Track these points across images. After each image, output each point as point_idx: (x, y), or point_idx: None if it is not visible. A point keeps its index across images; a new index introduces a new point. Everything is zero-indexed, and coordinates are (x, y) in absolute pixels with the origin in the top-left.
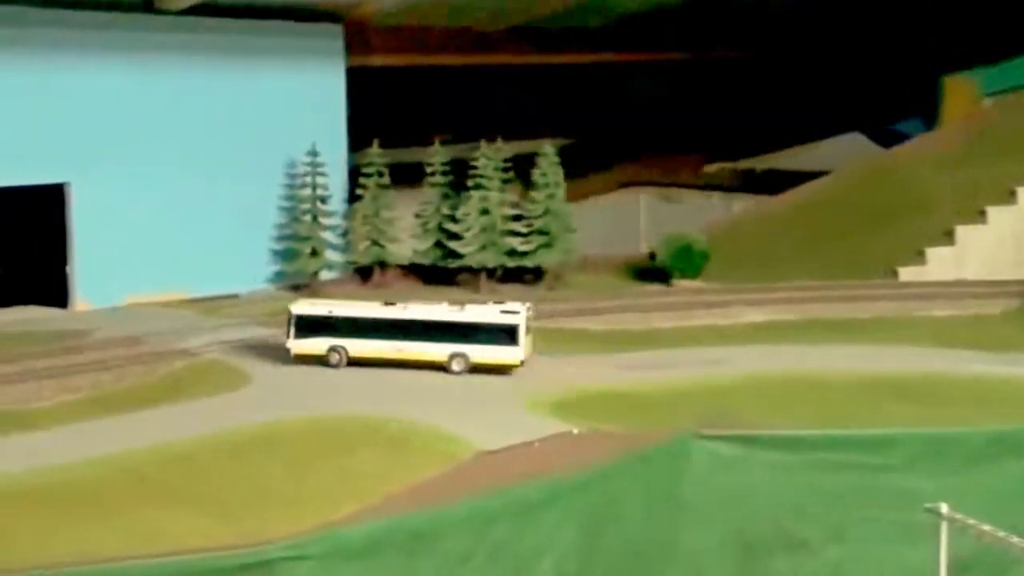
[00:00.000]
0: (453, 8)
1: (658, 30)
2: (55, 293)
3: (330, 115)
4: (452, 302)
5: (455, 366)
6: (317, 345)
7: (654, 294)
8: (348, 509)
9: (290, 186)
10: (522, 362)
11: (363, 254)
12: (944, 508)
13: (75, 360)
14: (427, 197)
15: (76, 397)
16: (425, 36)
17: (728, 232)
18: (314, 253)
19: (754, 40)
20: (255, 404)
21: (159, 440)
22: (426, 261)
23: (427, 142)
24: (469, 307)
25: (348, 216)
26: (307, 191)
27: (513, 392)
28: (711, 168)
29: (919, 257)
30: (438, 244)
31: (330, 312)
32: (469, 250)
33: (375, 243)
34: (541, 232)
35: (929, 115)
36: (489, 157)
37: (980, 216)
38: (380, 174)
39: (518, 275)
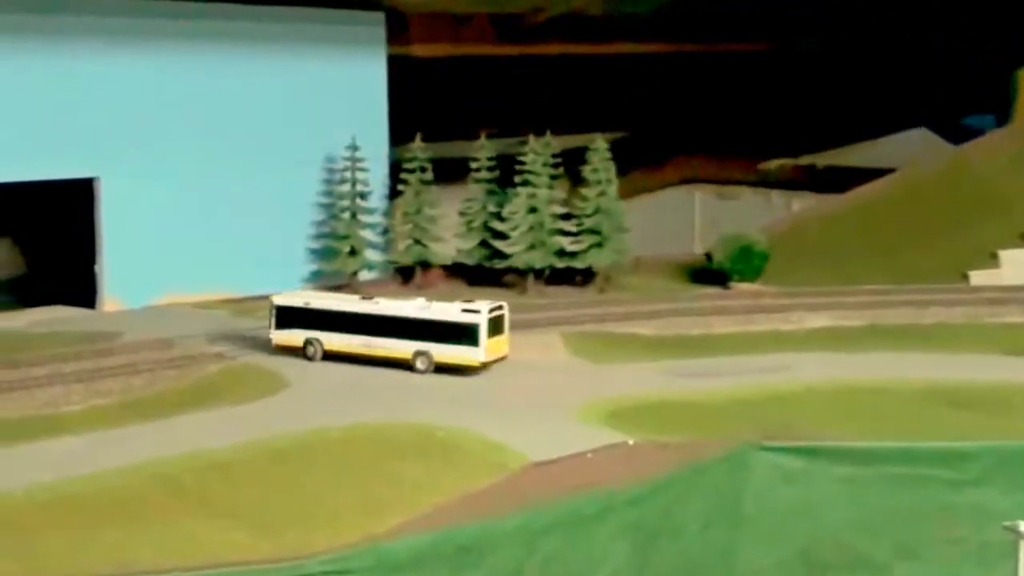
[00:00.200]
0: None
1: (712, 19)
2: (83, 293)
3: (371, 107)
4: (430, 299)
5: (419, 364)
6: (295, 337)
7: (711, 297)
8: (393, 522)
9: (328, 181)
10: (483, 363)
11: (404, 253)
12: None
13: (105, 363)
14: (472, 194)
15: (106, 402)
16: (470, 24)
17: (789, 232)
18: (353, 252)
19: (816, 31)
20: (293, 410)
21: (194, 447)
22: (470, 261)
23: (472, 136)
24: (435, 305)
25: (389, 213)
26: (346, 187)
27: (564, 400)
28: (770, 164)
29: (992, 260)
30: (483, 243)
31: (306, 304)
32: (516, 250)
33: (417, 242)
34: (592, 231)
35: (1001, 111)
36: (537, 152)
37: None
38: (423, 169)
39: (567, 276)
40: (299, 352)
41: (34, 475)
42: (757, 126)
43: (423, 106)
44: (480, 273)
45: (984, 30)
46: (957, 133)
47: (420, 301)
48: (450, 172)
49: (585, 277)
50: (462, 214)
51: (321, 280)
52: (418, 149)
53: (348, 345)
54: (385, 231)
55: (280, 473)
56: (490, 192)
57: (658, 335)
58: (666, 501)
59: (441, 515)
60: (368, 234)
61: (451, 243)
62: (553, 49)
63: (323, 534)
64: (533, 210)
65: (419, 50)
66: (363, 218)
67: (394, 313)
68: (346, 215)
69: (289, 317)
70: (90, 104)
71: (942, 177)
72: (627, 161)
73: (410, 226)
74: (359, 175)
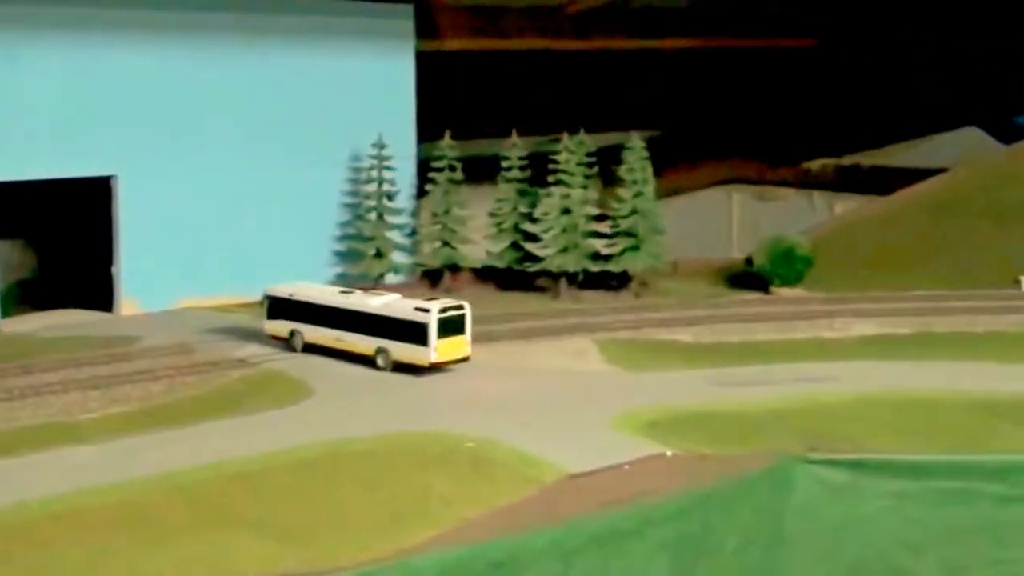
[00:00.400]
0: None
1: (753, 14)
2: (98, 295)
3: (398, 103)
4: (407, 297)
5: (380, 361)
6: (283, 327)
7: (752, 303)
8: (422, 536)
9: (354, 181)
10: (432, 364)
11: (432, 256)
12: None
13: (122, 369)
14: (503, 194)
15: (125, 409)
16: (501, 18)
17: (833, 235)
18: (379, 254)
19: (861, 26)
20: (319, 419)
21: (216, 457)
22: (501, 264)
23: (503, 134)
24: (399, 302)
25: (416, 214)
26: (372, 186)
27: (599, 409)
28: (812, 164)
29: None
30: (514, 246)
31: (291, 296)
32: (548, 253)
33: (445, 244)
34: (627, 234)
35: None
36: (571, 150)
37: None
38: (451, 168)
39: (601, 281)
40: (286, 342)
41: (50, 485)
42: (798, 125)
43: (452, 102)
44: (511, 277)
45: None
46: (1009, 132)
47: (390, 297)
48: (480, 171)
49: (620, 281)
50: (492, 215)
51: (346, 283)
52: (447, 147)
53: (323, 337)
54: (412, 232)
55: (305, 484)
56: (521, 192)
57: (697, 342)
58: (706, 516)
59: (472, 530)
60: (395, 235)
61: (481, 245)
62: (587, 44)
63: (349, 548)
64: (566, 211)
65: (448, 44)
66: (390, 219)
67: (359, 308)
68: (372, 216)
69: (278, 308)
70: (108, 99)
71: (993, 178)
72: (661, 161)
73: (438, 227)
74: (386, 174)
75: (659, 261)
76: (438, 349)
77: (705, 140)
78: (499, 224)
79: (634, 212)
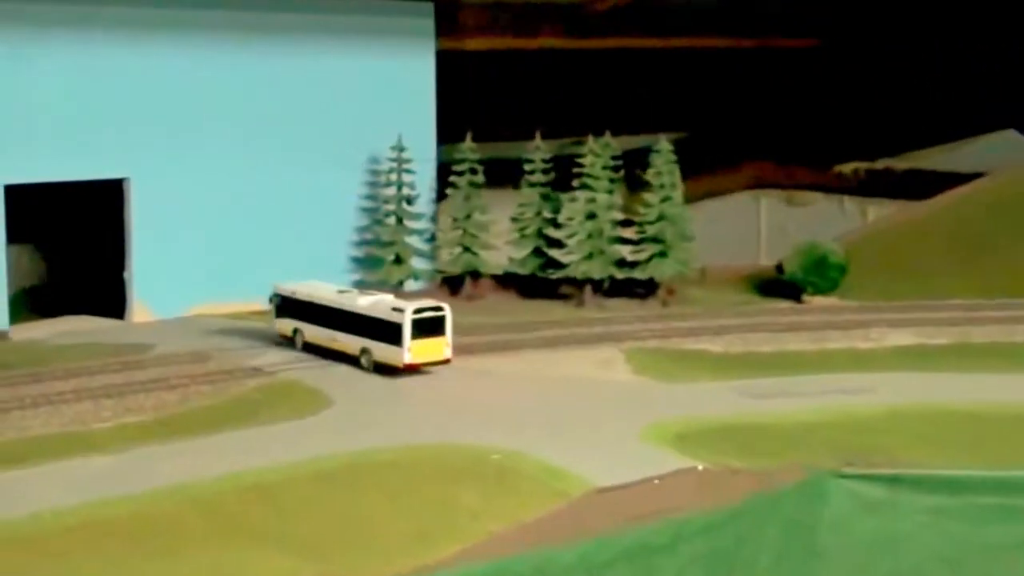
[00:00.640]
0: None
1: (780, 13)
2: (110, 301)
3: (418, 105)
4: (399, 297)
5: (363, 361)
6: (288, 325)
7: (784, 312)
8: (447, 551)
9: (372, 184)
10: (406, 365)
11: (452, 262)
12: None
13: (136, 377)
14: (526, 198)
15: (139, 419)
16: (524, 16)
17: (867, 241)
18: (398, 260)
19: (894, 27)
20: (338, 430)
21: (233, 468)
22: (523, 271)
23: (526, 136)
24: (382, 302)
25: (436, 219)
26: (391, 190)
27: (627, 421)
28: (844, 168)
29: None
30: (537, 252)
31: (292, 294)
32: (573, 259)
33: (466, 250)
34: (654, 240)
35: None
36: (597, 153)
37: None
38: (473, 171)
39: (627, 288)
40: (291, 340)
41: (62, 496)
42: (829, 127)
43: (474, 103)
44: (534, 284)
45: None
46: None
47: (379, 297)
48: (502, 174)
49: (647, 289)
50: (515, 220)
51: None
52: (468, 150)
53: (319, 337)
54: (432, 238)
55: (325, 497)
56: (545, 197)
57: (727, 352)
58: (738, 531)
59: (498, 544)
60: (414, 241)
61: (502, 251)
62: (612, 43)
63: (372, 563)
64: (591, 216)
65: (470, 43)
66: (409, 224)
67: (347, 308)
68: (391, 220)
69: (284, 306)
70: (120, 101)
71: None
72: (686, 164)
73: (459, 233)
74: (405, 177)
75: (687, 268)
76: (412, 350)
77: (731, 143)
78: (522, 229)
79: (662, 217)
